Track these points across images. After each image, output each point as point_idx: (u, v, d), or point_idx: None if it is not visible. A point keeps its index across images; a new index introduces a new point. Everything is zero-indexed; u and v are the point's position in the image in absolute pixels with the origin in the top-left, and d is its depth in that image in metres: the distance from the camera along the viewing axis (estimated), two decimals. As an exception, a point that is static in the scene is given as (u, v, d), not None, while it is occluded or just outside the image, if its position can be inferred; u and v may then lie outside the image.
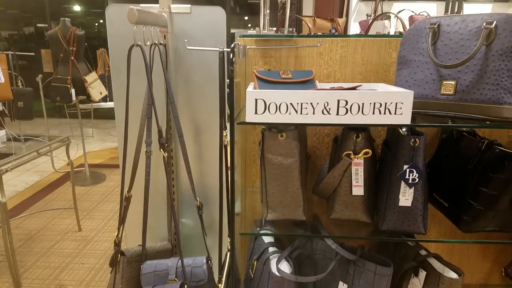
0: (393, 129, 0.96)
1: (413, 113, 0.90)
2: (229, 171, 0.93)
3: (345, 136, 0.95)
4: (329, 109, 0.83)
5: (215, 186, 1.05)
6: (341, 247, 1.04)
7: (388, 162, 0.94)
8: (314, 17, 2.75)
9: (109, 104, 3.22)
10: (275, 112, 0.83)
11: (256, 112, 0.82)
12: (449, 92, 0.84)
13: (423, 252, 1.08)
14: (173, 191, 1.19)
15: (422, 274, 1.04)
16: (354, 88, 0.97)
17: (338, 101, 0.82)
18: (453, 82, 0.84)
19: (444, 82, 0.85)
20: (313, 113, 0.83)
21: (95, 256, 2.21)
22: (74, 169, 2.35)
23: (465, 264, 1.28)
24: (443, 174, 1.05)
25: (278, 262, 1.00)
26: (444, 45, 0.85)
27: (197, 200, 1.10)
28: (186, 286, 1.01)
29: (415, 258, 1.07)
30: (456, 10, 2.77)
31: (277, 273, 0.97)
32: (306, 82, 1.01)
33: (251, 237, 1.20)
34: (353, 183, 0.95)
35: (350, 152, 0.93)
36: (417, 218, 0.93)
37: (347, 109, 0.83)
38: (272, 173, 0.98)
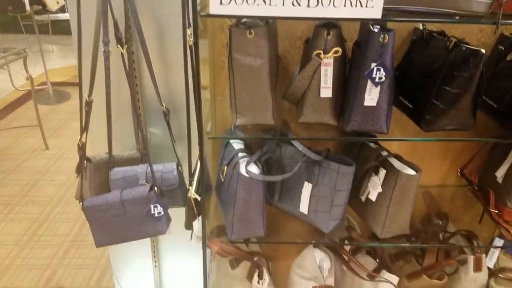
0: (364, 27, 0.94)
1: (385, 9, 0.87)
2: (195, 75, 0.90)
3: (316, 34, 0.92)
4: (300, 0, 0.78)
5: (183, 91, 1.02)
6: (306, 148, 1.07)
7: (357, 61, 0.93)
8: None
9: (68, 16, 2.96)
10: (242, 3, 0.78)
11: (221, 3, 0.76)
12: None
13: (384, 153, 1.13)
14: (138, 98, 1.15)
15: (382, 172, 1.11)
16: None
17: (308, -8, 0.78)
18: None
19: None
20: (283, 5, 0.78)
21: (65, 173, 2.20)
22: (36, 88, 2.23)
23: (425, 165, 1.36)
24: (411, 77, 1.05)
25: (247, 165, 1.03)
26: None
27: (163, 106, 1.07)
28: (156, 188, 1.03)
29: (377, 159, 1.13)
30: None
31: (245, 174, 0.99)
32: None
33: (221, 145, 1.21)
34: (322, 84, 0.95)
35: (320, 51, 0.91)
36: (381, 118, 0.95)
37: (318, 1, 0.79)
38: (241, 76, 0.95)
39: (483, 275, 1.28)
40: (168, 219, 1.05)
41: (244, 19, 0.93)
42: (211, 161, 1.30)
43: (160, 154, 1.26)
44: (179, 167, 1.12)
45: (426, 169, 1.37)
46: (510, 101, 0.97)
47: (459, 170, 1.36)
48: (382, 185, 1.11)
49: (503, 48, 1.03)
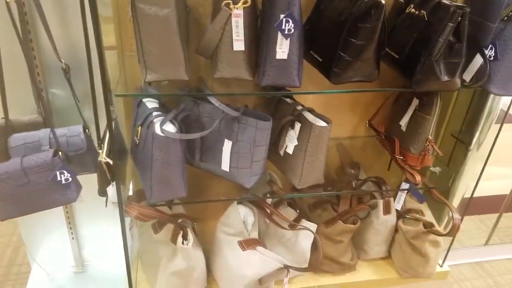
0: (272, -23, 0.92)
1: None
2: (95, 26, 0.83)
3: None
4: None
5: (84, 46, 0.94)
6: (223, 104, 1.06)
7: (267, 13, 0.93)
8: None
9: None
10: None
11: None
12: None
13: (299, 107, 1.17)
14: (34, 55, 1.04)
15: (297, 126, 1.15)
16: None
17: None
18: None
19: None
20: (184, -51, 0.74)
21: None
22: None
23: (337, 119, 1.43)
24: (320, 30, 1.08)
25: (162, 124, 0.99)
26: None
27: (62, 62, 0.98)
28: (60, 153, 0.95)
29: (293, 113, 1.16)
30: None
31: (160, 133, 0.96)
32: None
33: (134, 105, 1.15)
34: (234, 37, 0.93)
35: (229, 1, 0.89)
36: (293, 71, 0.97)
37: None
38: (147, 27, 0.89)
39: (392, 217, 1.42)
40: (78, 186, 0.99)
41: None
42: (124, 122, 1.24)
43: (66, 117, 1.17)
44: (87, 130, 1.05)
45: (338, 122, 1.45)
46: (410, 52, 1.04)
47: (367, 121, 1.46)
48: (298, 138, 1.15)
49: (403, 1, 1.10)
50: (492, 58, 1.03)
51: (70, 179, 0.96)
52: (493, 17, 1.01)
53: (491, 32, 1.02)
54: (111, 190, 1.00)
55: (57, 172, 0.93)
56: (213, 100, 1.06)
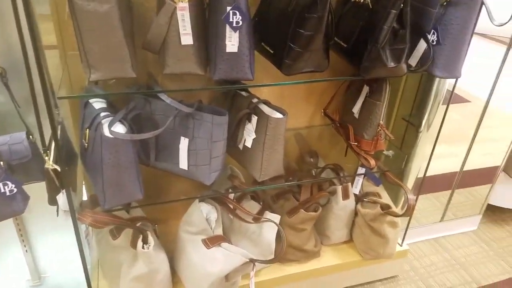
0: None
1: None
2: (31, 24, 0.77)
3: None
4: None
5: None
6: (175, 100, 1.03)
7: (214, 5, 0.91)
8: None
9: None
10: None
11: None
12: None
13: (255, 100, 1.16)
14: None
15: (254, 118, 1.14)
16: None
17: None
18: None
19: None
20: None
21: None
22: None
23: (293, 109, 1.46)
24: (269, 21, 1.08)
25: (110, 125, 0.95)
26: None
27: (-4, 65, 0.91)
28: (2, 163, 0.89)
29: (249, 106, 1.16)
30: None
31: (109, 135, 0.92)
32: None
33: (80, 106, 1.10)
34: (181, 31, 0.91)
35: (173, -6, 0.86)
36: (244, 64, 0.96)
37: None
38: (87, 24, 0.85)
39: (351, 202, 1.46)
40: (25, 197, 0.93)
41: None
42: (72, 125, 1.18)
43: (8, 124, 1.09)
44: (30, 136, 0.99)
45: (295, 113, 1.47)
46: (356, 40, 1.06)
47: (322, 110, 1.49)
48: (255, 131, 1.15)
49: (348, -9, 1.12)
50: (435, 43, 1.08)
51: (15, 190, 0.90)
52: (433, 3, 1.05)
53: (433, 18, 1.07)
54: (62, 198, 0.95)
55: (0, 184, 0.87)
56: (164, 97, 1.03)
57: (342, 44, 1.12)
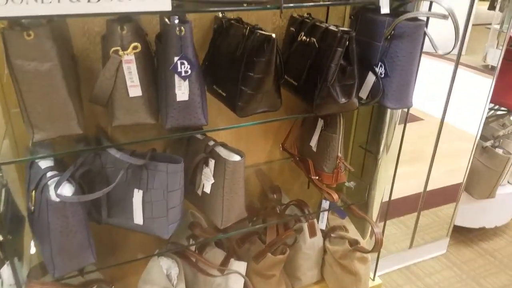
0: (162, 19, 0.96)
1: (178, -1, 0.92)
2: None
3: (110, 30, 0.90)
4: (78, -4, 0.75)
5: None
6: (125, 154, 1.05)
7: (162, 55, 0.95)
8: None
9: None
10: (6, 3, 0.70)
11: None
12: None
13: (211, 143, 1.20)
14: None
15: (211, 162, 1.18)
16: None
17: (88, -14, 0.75)
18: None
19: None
20: (58, 2, 0.74)
21: None
22: None
23: (252, 145, 1.51)
24: (219, 65, 1.14)
25: (57, 186, 0.95)
26: None
27: None
28: None
29: (205, 150, 1.19)
30: None
31: (55, 199, 0.92)
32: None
33: (26, 167, 1.08)
34: (128, 83, 0.94)
35: (118, 48, 0.90)
36: (197, 111, 1.01)
37: (98, -5, 0.77)
38: (28, 84, 0.86)
39: (318, 239, 1.51)
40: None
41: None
42: (19, 186, 1.15)
43: None
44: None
45: (254, 149, 1.53)
46: (306, 78, 1.14)
47: (280, 145, 1.55)
48: (214, 176, 1.18)
49: (294, 30, 1.21)
50: (383, 75, 1.18)
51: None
52: (378, 37, 1.16)
53: (379, 51, 1.17)
54: (6, 271, 0.92)
55: None
56: (112, 151, 1.05)
57: (293, 82, 1.20)
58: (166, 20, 0.91)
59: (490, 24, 2.22)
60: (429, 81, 1.88)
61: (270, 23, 1.30)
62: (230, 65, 1.08)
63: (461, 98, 1.85)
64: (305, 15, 1.23)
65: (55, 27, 0.88)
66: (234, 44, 1.07)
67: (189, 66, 0.93)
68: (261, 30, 1.02)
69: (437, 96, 1.86)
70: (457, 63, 1.70)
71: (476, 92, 1.92)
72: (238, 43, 1.06)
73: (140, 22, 1.04)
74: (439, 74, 1.88)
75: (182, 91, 0.95)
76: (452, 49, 1.05)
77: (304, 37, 1.16)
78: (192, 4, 0.94)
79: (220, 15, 1.16)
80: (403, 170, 1.74)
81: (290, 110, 1.34)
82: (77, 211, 0.97)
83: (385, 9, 1.03)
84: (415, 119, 2.08)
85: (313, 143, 1.41)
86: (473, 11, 1.66)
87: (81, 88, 1.09)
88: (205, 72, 1.22)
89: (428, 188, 1.99)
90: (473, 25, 1.84)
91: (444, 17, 0.99)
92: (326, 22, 1.33)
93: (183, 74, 0.93)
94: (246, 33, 1.04)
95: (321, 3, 1.04)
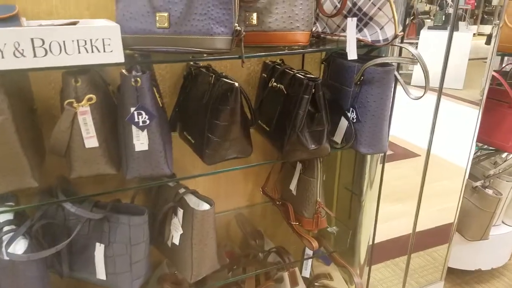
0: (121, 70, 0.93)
1: (134, 50, 0.89)
2: None
3: (64, 82, 0.87)
4: (23, 50, 0.73)
5: None
6: (81, 209, 1.00)
7: (120, 106, 0.92)
8: None
9: None
10: None
11: None
12: (164, 25, 0.85)
13: (181, 190, 1.15)
14: None
15: (180, 212, 1.12)
16: (72, 24, 0.88)
17: (33, 40, 0.73)
18: (165, 14, 0.85)
19: (158, 14, 0.85)
20: (2, 57, 0.71)
21: None
22: None
23: (231, 189, 1.46)
24: (189, 112, 1.10)
25: (10, 242, 0.89)
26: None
27: None
28: None
29: (174, 198, 1.13)
30: None
31: (4, 257, 0.86)
32: (6, 20, 0.85)
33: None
34: (84, 135, 0.90)
35: (72, 100, 0.86)
36: (159, 160, 0.96)
37: (46, 50, 0.74)
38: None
39: (300, 288, 1.42)
40: None
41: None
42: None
43: None
44: None
45: (233, 192, 1.47)
46: (276, 124, 1.10)
47: (261, 189, 1.49)
48: (182, 226, 1.12)
49: (266, 75, 1.18)
50: (355, 121, 1.13)
51: None
52: (349, 82, 1.13)
53: (350, 96, 1.13)
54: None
55: None
56: (68, 205, 1.00)
57: (266, 127, 1.15)
58: (123, 71, 0.88)
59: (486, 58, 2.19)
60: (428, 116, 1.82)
61: (245, 69, 1.27)
62: (198, 112, 1.05)
63: (455, 134, 1.79)
64: (278, 61, 1.20)
65: (8, 80, 0.85)
66: (202, 92, 1.04)
67: (147, 116, 0.89)
68: (226, 78, 0.99)
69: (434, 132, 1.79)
70: (439, 97, 1.64)
71: (468, 127, 1.86)
72: (205, 90, 1.03)
73: (104, 71, 1.02)
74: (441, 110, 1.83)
75: (140, 141, 0.91)
76: (423, 94, 1.00)
77: (275, 83, 1.12)
78: (155, 54, 0.91)
79: (192, 62, 1.13)
80: (394, 210, 1.66)
81: (269, 154, 1.29)
82: (31, 269, 0.91)
83: (352, 55, 1.00)
84: (412, 155, 2.02)
85: (293, 186, 1.35)
86: (470, 45, 1.63)
87: (44, 139, 1.06)
88: (176, 118, 1.18)
89: (420, 228, 1.90)
90: (472, 59, 1.81)
91: (412, 61, 0.95)
92: (302, 68, 1.31)
93: (140, 124, 0.89)
94: (212, 81, 1.01)
95: (286, 51, 1.01)
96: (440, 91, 1.59)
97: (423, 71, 0.95)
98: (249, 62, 1.27)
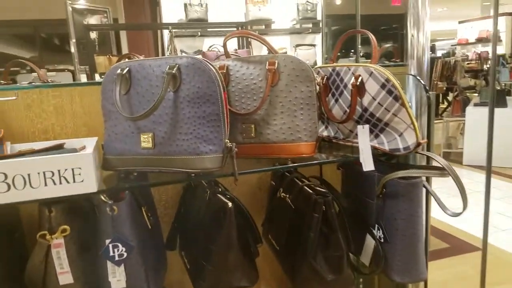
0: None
1: (119, 171, 0.80)
2: None
3: (39, 214, 0.78)
4: (-17, 185, 0.65)
5: None
6: None
7: (96, 235, 0.80)
8: (109, 56, 2.60)
9: None
10: None
11: None
12: (149, 146, 0.77)
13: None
14: None
15: None
16: (56, 147, 0.81)
17: (-7, 175, 0.65)
18: (150, 134, 0.76)
19: (142, 135, 0.77)
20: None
21: None
22: None
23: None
24: (186, 228, 0.98)
25: None
26: (136, 93, 0.78)
27: None
28: None
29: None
30: (245, 44, 2.98)
31: None
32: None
33: None
34: (57, 270, 0.78)
35: (45, 232, 0.76)
36: (142, 285, 0.81)
37: (9, 185, 0.66)
38: None
39: None
40: None
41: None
42: None
43: None
44: None
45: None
46: (285, 243, 0.93)
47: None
48: None
49: (274, 183, 1.04)
50: (382, 240, 0.92)
51: None
52: (370, 193, 0.95)
53: (373, 210, 0.94)
54: None
55: None
56: None
57: (275, 245, 0.98)
58: (102, 197, 0.78)
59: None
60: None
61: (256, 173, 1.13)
62: (195, 232, 0.91)
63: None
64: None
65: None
66: (198, 208, 0.91)
67: (124, 249, 0.76)
68: (223, 194, 0.85)
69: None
70: (489, 176, 1.36)
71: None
72: (201, 207, 0.90)
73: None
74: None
75: (117, 278, 0.77)
76: (463, 211, 0.80)
77: (283, 194, 0.97)
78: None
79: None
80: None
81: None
82: None
83: (368, 165, 0.84)
84: (473, 249, 1.71)
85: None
86: None
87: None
88: (175, 233, 1.04)
89: None
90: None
91: (442, 174, 0.77)
92: (321, 174, 1.15)
93: (116, 259, 0.76)
94: (208, 197, 0.88)
95: (276, 166, 0.87)
96: (488, 171, 1.33)
97: (457, 186, 0.76)
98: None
